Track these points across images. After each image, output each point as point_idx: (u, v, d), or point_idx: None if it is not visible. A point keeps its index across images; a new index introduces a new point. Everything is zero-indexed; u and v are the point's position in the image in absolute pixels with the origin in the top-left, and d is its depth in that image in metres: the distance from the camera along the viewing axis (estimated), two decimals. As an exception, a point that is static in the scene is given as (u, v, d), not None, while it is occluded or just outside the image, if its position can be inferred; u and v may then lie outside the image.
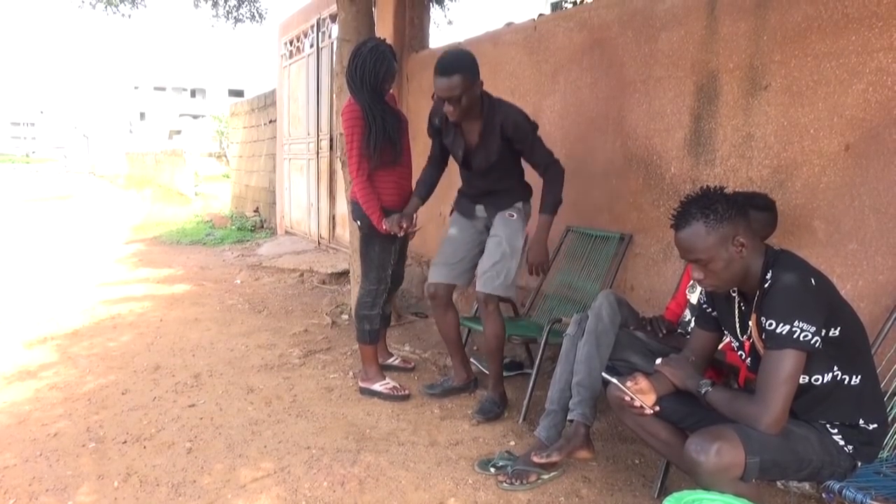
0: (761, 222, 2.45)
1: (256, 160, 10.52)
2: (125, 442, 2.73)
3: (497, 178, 3.11)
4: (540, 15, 4.29)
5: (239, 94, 44.22)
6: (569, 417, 2.43)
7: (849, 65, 2.48)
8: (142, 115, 53.81)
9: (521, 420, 3.00)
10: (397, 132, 3.24)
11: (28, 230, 10.22)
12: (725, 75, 2.95)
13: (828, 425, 1.79)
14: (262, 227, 9.84)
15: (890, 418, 2.13)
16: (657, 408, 1.93)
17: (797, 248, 2.59)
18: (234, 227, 9.75)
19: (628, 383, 1.94)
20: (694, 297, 2.64)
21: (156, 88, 55.03)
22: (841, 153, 2.52)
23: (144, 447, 2.68)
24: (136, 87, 54.32)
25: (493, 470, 2.48)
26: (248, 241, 8.84)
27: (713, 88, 3.00)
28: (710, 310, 2.05)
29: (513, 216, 3.09)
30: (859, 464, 1.81)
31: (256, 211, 10.38)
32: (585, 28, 3.74)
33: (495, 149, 2.97)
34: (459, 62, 2.80)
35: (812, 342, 1.66)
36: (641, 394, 1.93)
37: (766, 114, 2.78)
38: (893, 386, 2.20)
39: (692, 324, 2.48)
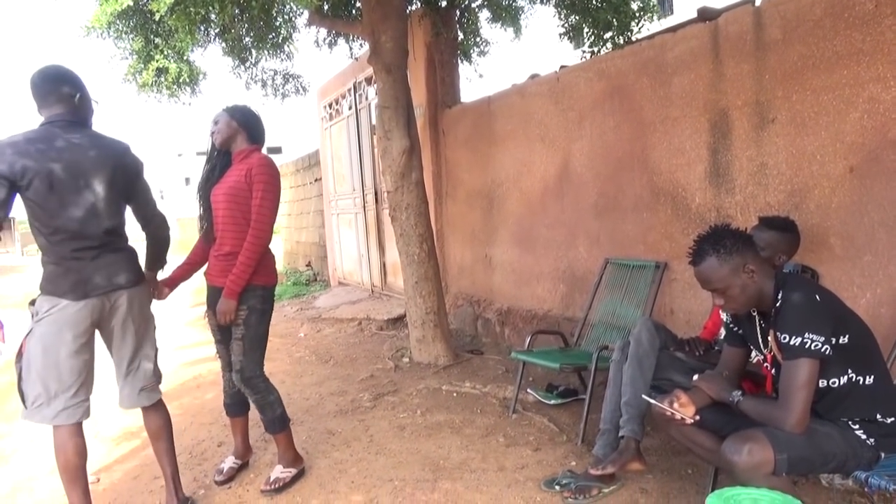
0: (786, 242, 2.71)
1: (305, 217, 11.09)
2: (230, 487, 3.09)
3: None
4: (562, 66, 4.66)
5: (277, 150, 45.78)
6: (620, 434, 2.70)
7: (844, 96, 2.76)
8: (186, 181, 56.06)
9: (579, 442, 3.27)
10: None
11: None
12: (735, 112, 3.25)
13: (849, 422, 2.03)
14: (316, 279, 10.34)
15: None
16: (697, 417, 2.19)
17: (818, 263, 2.86)
18: (289, 283, 10.26)
19: (666, 402, 2.21)
20: (727, 316, 2.90)
21: (198, 154, 57.31)
22: (847, 175, 2.78)
23: (247, 490, 3.04)
24: (179, 154, 56.76)
25: (557, 488, 2.75)
26: (304, 294, 9.32)
27: (726, 124, 3.30)
28: (736, 328, 2.32)
29: None
30: (882, 455, 2.04)
31: (309, 265, 10.90)
32: (604, 77, 4.08)
33: None
34: None
35: (822, 350, 1.92)
36: (682, 407, 2.20)
37: (776, 144, 3.06)
38: (916, 383, 2.42)
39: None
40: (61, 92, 2.48)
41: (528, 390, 4.02)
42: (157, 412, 2.75)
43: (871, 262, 2.72)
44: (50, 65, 2.55)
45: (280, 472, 3.04)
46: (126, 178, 2.58)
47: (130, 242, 2.66)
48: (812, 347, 1.92)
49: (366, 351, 5.65)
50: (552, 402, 3.87)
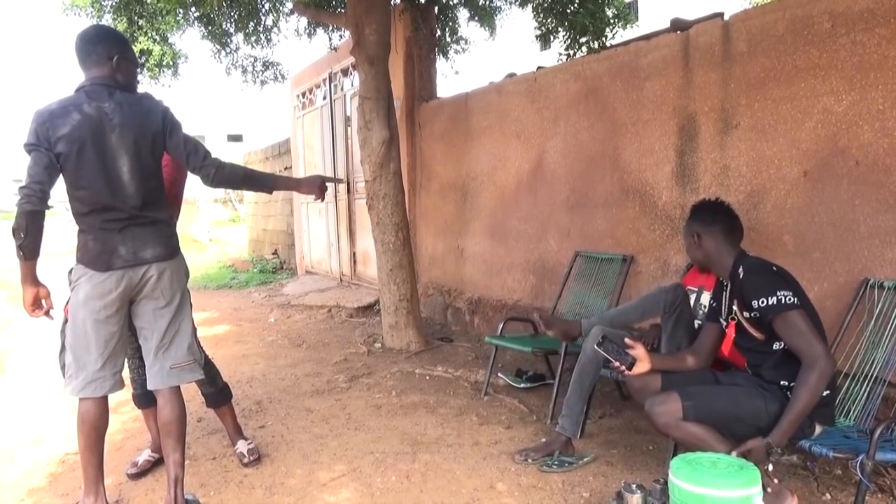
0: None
1: (273, 205, 11.09)
2: (214, 458, 3.20)
3: None
4: (539, 67, 4.86)
5: (237, 138, 45.07)
6: (557, 428, 3.03)
7: (801, 106, 3.02)
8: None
9: (548, 422, 3.48)
10: None
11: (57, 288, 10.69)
12: (702, 117, 3.49)
13: (788, 385, 2.23)
14: (282, 268, 10.37)
15: (853, 391, 2.63)
16: (643, 368, 2.44)
17: (772, 258, 3.09)
18: (255, 270, 10.27)
19: (628, 350, 2.48)
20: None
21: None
22: (801, 179, 3.05)
23: (231, 460, 3.15)
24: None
25: (529, 461, 2.95)
26: (271, 282, 9.36)
27: (693, 128, 3.54)
28: (714, 303, 2.57)
29: None
30: (817, 425, 2.28)
31: (275, 253, 10.92)
32: (580, 79, 4.30)
33: None
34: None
35: (796, 302, 2.18)
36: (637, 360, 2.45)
37: (738, 148, 3.31)
38: (855, 367, 2.69)
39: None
40: (98, 54, 2.41)
41: (499, 374, 4.22)
42: (171, 402, 2.55)
43: (820, 259, 2.99)
44: (91, 26, 2.51)
45: (247, 444, 3.15)
46: (155, 143, 2.45)
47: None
48: (787, 301, 2.17)
49: (337, 336, 5.77)
50: (521, 385, 4.08)
